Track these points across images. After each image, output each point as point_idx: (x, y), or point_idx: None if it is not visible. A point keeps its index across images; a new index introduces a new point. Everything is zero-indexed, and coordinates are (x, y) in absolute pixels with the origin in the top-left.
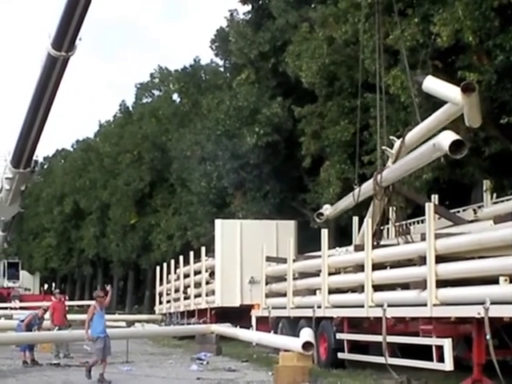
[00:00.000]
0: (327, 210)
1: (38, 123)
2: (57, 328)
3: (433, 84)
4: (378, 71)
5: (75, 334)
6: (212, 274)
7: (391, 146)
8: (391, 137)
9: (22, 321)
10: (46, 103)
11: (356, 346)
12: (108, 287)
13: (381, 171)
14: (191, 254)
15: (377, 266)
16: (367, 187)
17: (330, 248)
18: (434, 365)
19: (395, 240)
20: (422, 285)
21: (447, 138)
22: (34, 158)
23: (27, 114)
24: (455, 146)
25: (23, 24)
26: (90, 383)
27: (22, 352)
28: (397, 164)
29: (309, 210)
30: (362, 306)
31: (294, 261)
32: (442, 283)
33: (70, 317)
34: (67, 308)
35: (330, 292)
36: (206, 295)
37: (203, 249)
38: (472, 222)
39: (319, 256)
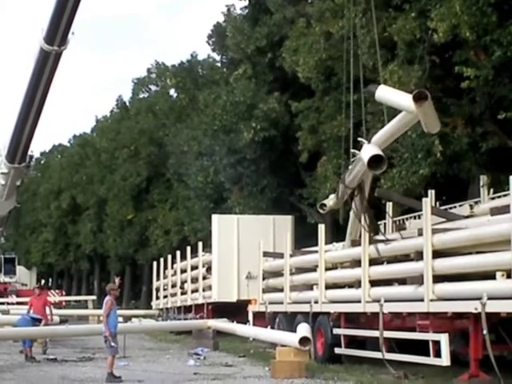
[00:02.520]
0: (331, 200)
1: (32, 118)
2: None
3: (385, 93)
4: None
5: (72, 329)
6: (209, 269)
7: None
8: (359, 138)
9: (33, 318)
10: (39, 98)
11: (353, 341)
12: (117, 279)
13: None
14: (188, 249)
15: (374, 262)
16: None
17: (326, 243)
18: (430, 360)
19: (393, 235)
20: (418, 280)
21: (367, 153)
22: (29, 152)
23: (21, 109)
24: (376, 161)
25: (17, 18)
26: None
27: (27, 347)
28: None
29: (306, 205)
30: (359, 302)
31: (291, 256)
32: (438, 278)
33: (67, 312)
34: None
35: (327, 287)
36: (203, 290)
37: (200, 244)
38: (468, 217)
39: (316, 251)
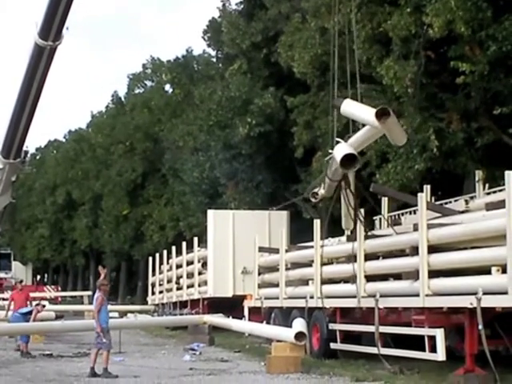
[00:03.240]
0: (322, 188)
1: (26, 114)
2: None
3: (350, 108)
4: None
5: (67, 325)
6: (204, 265)
7: None
8: (337, 138)
9: (23, 313)
10: (34, 93)
11: (349, 337)
12: (102, 270)
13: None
14: (184, 244)
15: (369, 257)
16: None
17: (322, 238)
18: (426, 355)
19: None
20: (414, 275)
21: (339, 152)
22: (24, 148)
23: (16, 105)
24: (350, 160)
25: (12, 12)
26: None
27: (23, 343)
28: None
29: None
30: (355, 297)
31: (287, 251)
32: (434, 273)
33: (62, 307)
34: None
35: (323, 282)
36: (199, 286)
37: (196, 239)
38: (463, 212)
39: (312, 246)
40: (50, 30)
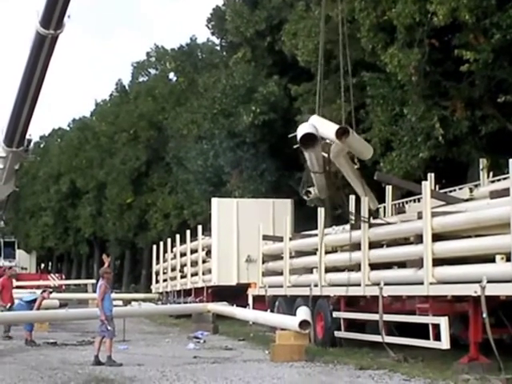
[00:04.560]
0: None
1: (29, 102)
2: (8, 306)
3: (315, 123)
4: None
5: (71, 313)
6: (208, 253)
7: None
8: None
9: (28, 301)
10: (36, 82)
11: (353, 325)
12: (106, 258)
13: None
14: (188, 232)
15: (373, 245)
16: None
17: (326, 226)
18: (430, 343)
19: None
20: (418, 263)
21: (299, 131)
22: (28, 136)
23: (18, 93)
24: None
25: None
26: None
27: (28, 331)
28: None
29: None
30: (359, 285)
31: (291, 239)
32: (438, 262)
33: (66, 296)
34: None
35: (327, 270)
36: (203, 274)
37: (200, 227)
38: (467, 200)
39: (316, 234)
40: (52, 18)
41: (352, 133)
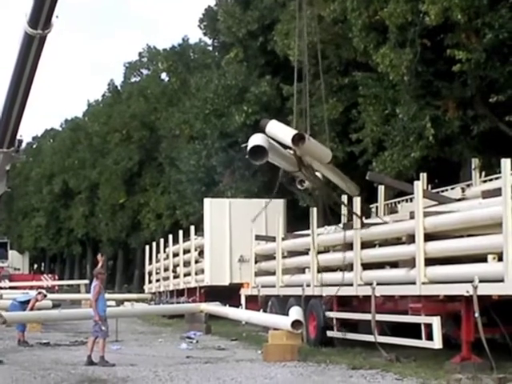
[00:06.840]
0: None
1: (18, 103)
2: None
3: (274, 129)
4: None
5: (64, 314)
6: (201, 253)
7: None
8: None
9: (21, 302)
10: (25, 82)
11: (345, 325)
12: (100, 258)
13: None
14: (180, 232)
15: (366, 245)
16: None
17: (318, 226)
18: (422, 343)
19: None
20: (410, 263)
21: (250, 142)
22: (18, 137)
23: (7, 94)
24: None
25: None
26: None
27: (20, 332)
28: None
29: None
30: (351, 285)
31: (283, 239)
32: (430, 261)
33: (59, 296)
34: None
35: (319, 270)
36: (196, 274)
37: (192, 228)
38: (459, 200)
39: (308, 234)
40: (39, 18)
41: (308, 139)
